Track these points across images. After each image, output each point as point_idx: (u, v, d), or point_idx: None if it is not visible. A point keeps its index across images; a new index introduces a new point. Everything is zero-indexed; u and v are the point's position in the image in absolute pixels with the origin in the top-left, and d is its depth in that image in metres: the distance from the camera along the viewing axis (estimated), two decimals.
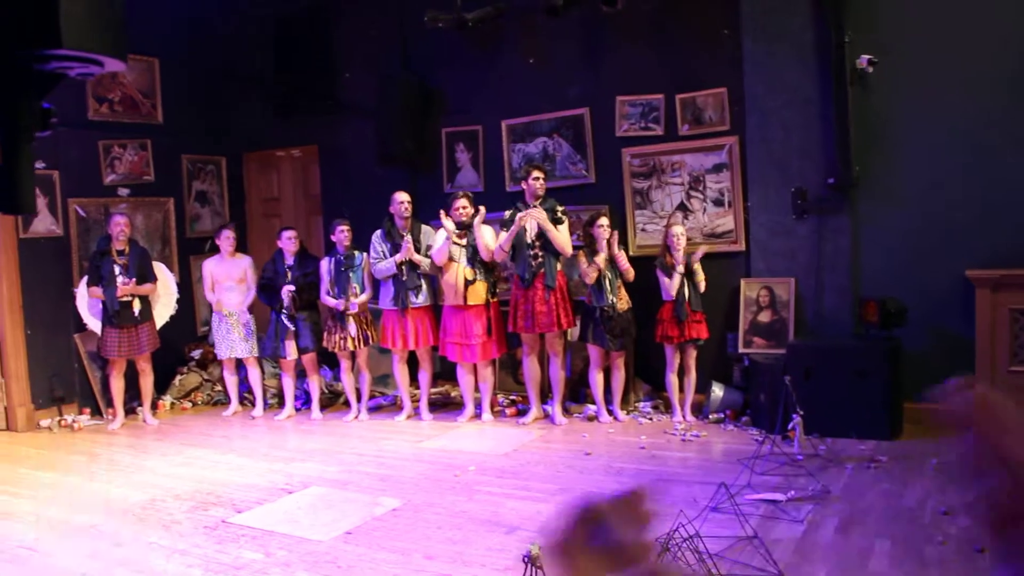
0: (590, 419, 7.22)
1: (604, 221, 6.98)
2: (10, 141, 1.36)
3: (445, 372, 8.31)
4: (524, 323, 7.09)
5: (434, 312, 7.62)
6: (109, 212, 8.32)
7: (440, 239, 7.29)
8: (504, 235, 7.09)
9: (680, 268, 6.87)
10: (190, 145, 9.45)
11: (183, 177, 9.43)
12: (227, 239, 8.19)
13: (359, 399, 7.90)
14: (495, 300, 7.33)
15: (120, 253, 7.71)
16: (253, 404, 8.31)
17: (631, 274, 6.98)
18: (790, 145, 7.00)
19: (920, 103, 6.54)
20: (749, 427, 6.69)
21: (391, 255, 7.46)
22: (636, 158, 7.64)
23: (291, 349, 7.83)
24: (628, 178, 7.69)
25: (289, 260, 7.85)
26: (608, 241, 6.92)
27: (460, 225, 7.28)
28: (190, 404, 8.80)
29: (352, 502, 5.33)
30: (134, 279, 7.70)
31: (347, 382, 7.89)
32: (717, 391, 7.12)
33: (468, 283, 7.20)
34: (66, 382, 8.31)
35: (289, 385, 8.09)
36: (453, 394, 8.28)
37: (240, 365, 8.34)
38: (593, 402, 7.28)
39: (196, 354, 9.10)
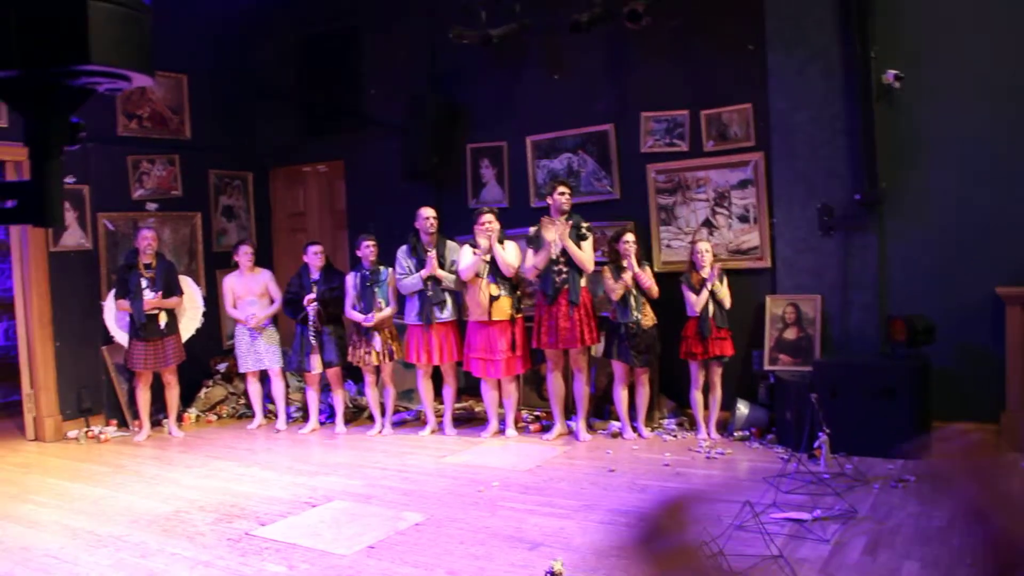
0: (614, 436, 7.19)
1: (630, 237, 6.95)
2: (40, 155, 1.38)
3: (469, 387, 8.30)
4: (548, 339, 7.08)
5: (459, 327, 7.63)
6: (137, 226, 8.40)
7: (467, 255, 7.30)
8: (530, 253, 7.10)
9: (709, 285, 6.83)
10: (217, 160, 9.54)
11: (210, 192, 9.52)
12: (245, 254, 8.25)
13: (383, 413, 7.91)
14: (520, 316, 7.33)
15: (147, 267, 7.78)
16: (277, 417, 8.36)
17: (655, 291, 6.95)
18: (816, 161, 6.97)
19: (947, 118, 6.49)
20: (774, 445, 6.64)
21: (416, 270, 7.47)
22: (661, 174, 7.63)
23: (316, 363, 7.85)
24: (653, 194, 7.68)
25: (315, 275, 7.89)
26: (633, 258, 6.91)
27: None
28: (215, 417, 8.85)
29: (375, 516, 5.33)
30: (161, 292, 7.77)
31: (371, 396, 7.90)
32: (742, 408, 7.07)
33: (493, 299, 7.20)
34: (93, 394, 8.38)
35: (313, 399, 8.12)
36: (477, 409, 8.27)
37: (265, 378, 8.38)
38: (617, 418, 7.25)
39: (222, 367, 9.15)
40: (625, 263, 6.90)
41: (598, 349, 7.34)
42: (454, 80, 8.72)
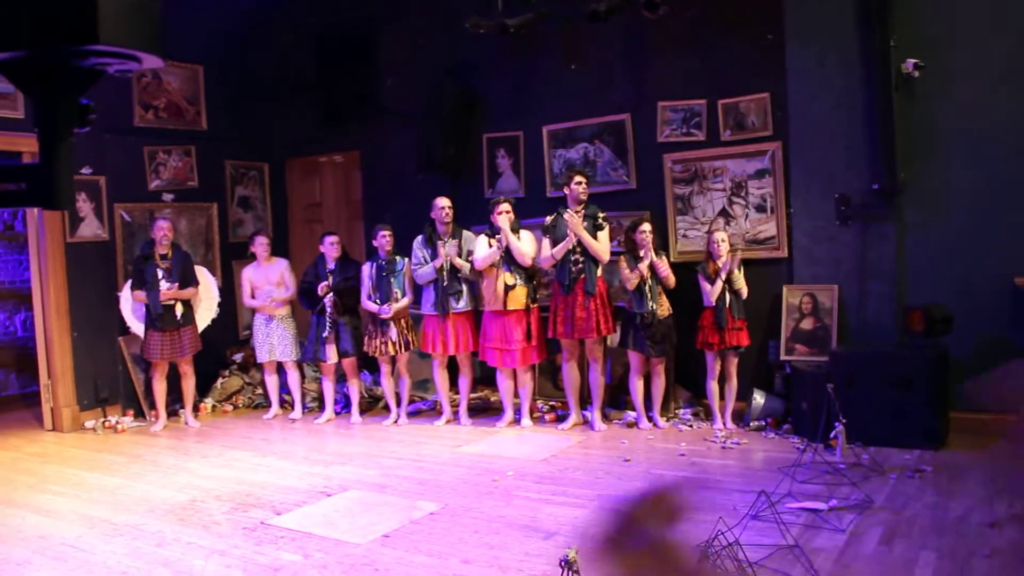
0: (629, 425, 7.17)
1: (646, 227, 6.92)
2: (49, 137, 1.37)
3: (485, 377, 8.30)
4: (564, 328, 7.07)
5: (475, 317, 7.62)
6: (153, 217, 8.42)
7: (483, 246, 7.29)
8: (548, 243, 7.07)
9: (723, 274, 6.80)
10: (233, 151, 9.57)
11: (226, 183, 9.55)
12: (261, 245, 8.28)
13: (399, 403, 7.92)
14: (535, 305, 7.31)
15: (163, 257, 7.81)
16: (293, 407, 8.38)
17: (672, 281, 6.93)
18: (834, 151, 6.92)
19: (966, 108, 6.44)
20: (790, 435, 6.61)
21: (432, 260, 7.47)
22: (678, 164, 7.60)
23: (331, 353, 7.87)
24: (669, 184, 7.65)
25: (331, 265, 7.90)
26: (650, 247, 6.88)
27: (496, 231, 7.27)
28: (231, 407, 8.89)
29: (390, 506, 5.33)
30: (177, 283, 7.80)
31: (387, 386, 7.91)
32: (758, 398, 7.04)
33: (508, 288, 7.19)
34: (110, 384, 8.43)
35: (329, 389, 8.13)
36: (492, 399, 8.27)
37: (281, 368, 8.40)
38: (633, 408, 7.24)
39: (238, 357, 9.18)
40: (642, 253, 6.87)
41: (614, 339, 7.32)
42: (470, 70, 8.70)
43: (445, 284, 7.42)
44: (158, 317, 7.74)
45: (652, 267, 6.87)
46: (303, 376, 8.51)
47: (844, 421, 5.66)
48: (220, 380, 9.03)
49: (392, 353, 7.71)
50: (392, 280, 7.66)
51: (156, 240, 7.82)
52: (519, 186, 8.52)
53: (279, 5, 9.46)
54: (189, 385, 8.12)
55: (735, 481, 5.53)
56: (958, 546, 4.17)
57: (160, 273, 7.76)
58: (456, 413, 7.77)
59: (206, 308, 8.34)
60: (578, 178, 7.09)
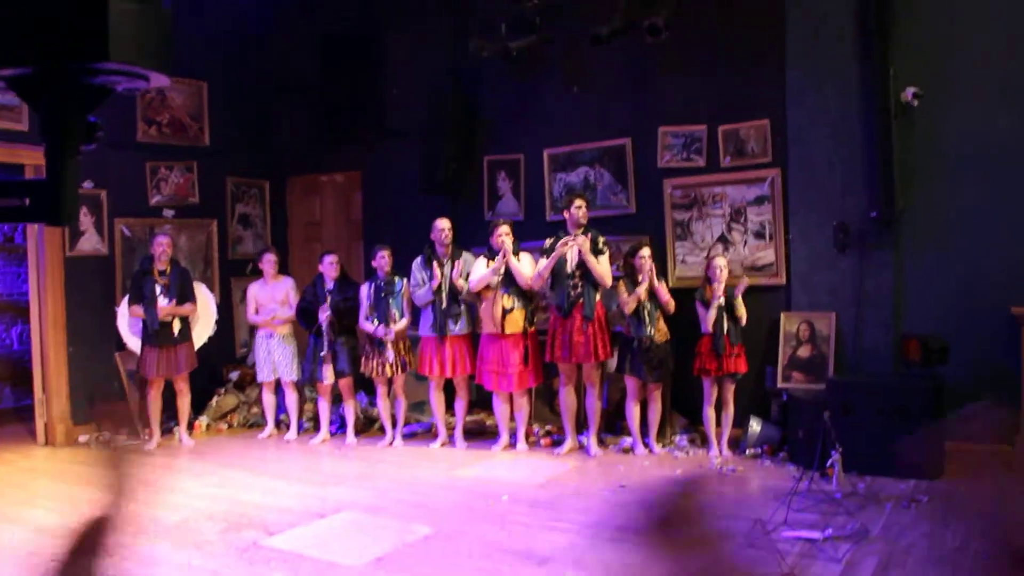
0: (625, 451, 7.15)
1: (646, 252, 6.92)
2: (56, 153, 1.37)
3: (481, 400, 8.28)
4: (561, 353, 7.06)
5: (472, 340, 7.61)
6: (153, 232, 8.42)
7: (480, 268, 7.29)
8: (543, 261, 7.08)
9: (719, 301, 6.79)
10: (235, 168, 9.60)
11: (227, 200, 9.56)
12: (269, 262, 8.28)
13: (394, 425, 7.89)
14: (533, 329, 7.31)
15: (162, 273, 7.79)
16: (289, 427, 8.35)
17: (672, 306, 6.92)
18: (833, 178, 6.95)
19: (965, 137, 6.47)
20: (786, 463, 6.59)
21: (430, 282, 7.47)
22: (677, 189, 7.62)
23: (328, 373, 7.84)
24: (669, 209, 7.66)
25: (329, 284, 7.88)
26: (649, 273, 6.87)
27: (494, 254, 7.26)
28: (226, 425, 8.85)
29: (384, 528, 5.30)
30: (175, 299, 7.78)
31: (383, 408, 7.89)
32: (755, 426, 7.03)
33: (506, 312, 7.18)
34: (106, 399, 8.38)
35: (325, 409, 8.10)
36: (488, 423, 8.24)
37: (278, 388, 8.38)
38: (629, 434, 7.22)
39: (234, 375, 9.15)
40: (641, 277, 6.87)
41: (611, 364, 7.31)
42: (473, 92, 8.72)
43: (444, 306, 7.42)
44: (155, 333, 7.72)
45: (652, 292, 6.88)
46: (302, 397, 8.49)
47: (840, 449, 5.64)
48: (215, 398, 8.99)
49: (389, 374, 7.69)
50: (391, 301, 7.65)
51: (155, 256, 7.81)
52: (519, 209, 8.53)
53: (283, 24, 9.51)
54: (184, 403, 8.08)
55: (731, 508, 5.51)
56: None
57: (158, 289, 7.75)
58: (452, 436, 7.74)
59: (203, 325, 8.32)
60: (578, 202, 7.10)
